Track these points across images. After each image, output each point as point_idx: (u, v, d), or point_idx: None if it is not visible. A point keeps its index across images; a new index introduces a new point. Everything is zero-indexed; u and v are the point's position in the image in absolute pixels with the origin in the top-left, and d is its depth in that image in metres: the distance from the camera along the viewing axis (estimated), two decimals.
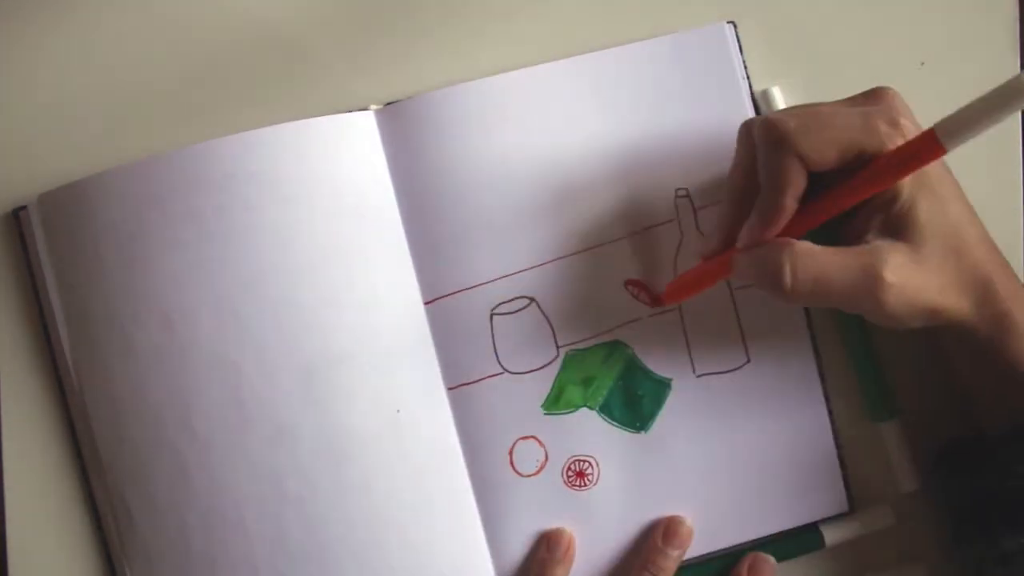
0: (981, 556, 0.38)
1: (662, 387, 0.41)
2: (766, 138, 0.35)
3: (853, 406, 0.42)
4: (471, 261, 0.41)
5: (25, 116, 0.42)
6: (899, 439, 0.42)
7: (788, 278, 0.34)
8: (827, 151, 0.34)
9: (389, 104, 0.42)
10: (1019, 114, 0.43)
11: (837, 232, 0.37)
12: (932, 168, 0.35)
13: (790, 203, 0.35)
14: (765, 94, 0.43)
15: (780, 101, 0.42)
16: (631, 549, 0.41)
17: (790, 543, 0.41)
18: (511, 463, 0.41)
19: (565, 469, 0.41)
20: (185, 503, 0.40)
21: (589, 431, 0.41)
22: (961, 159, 0.43)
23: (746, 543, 0.41)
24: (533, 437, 0.41)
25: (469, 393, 0.41)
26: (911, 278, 0.34)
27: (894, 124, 0.34)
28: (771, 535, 0.41)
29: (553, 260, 0.41)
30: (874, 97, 0.36)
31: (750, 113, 0.42)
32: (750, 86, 0.42)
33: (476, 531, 0.41)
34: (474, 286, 0.41)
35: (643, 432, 0.41)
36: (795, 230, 0.35)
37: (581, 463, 0.41)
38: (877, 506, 0.42)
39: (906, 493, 0.42)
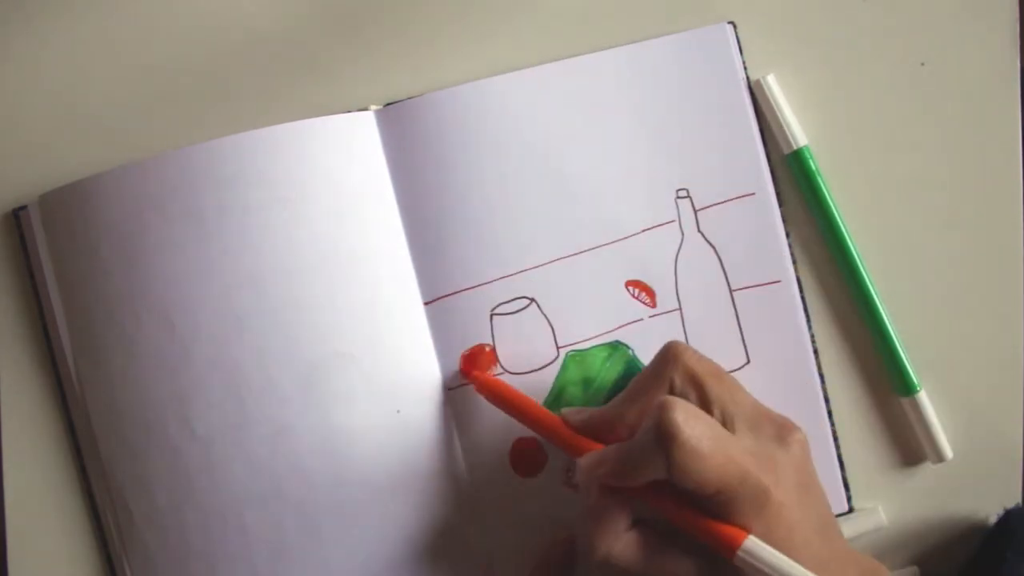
0: None
1: None
2: (654, 433, 0.32)
3: (883, 382, 0.43)
4: (471, 261, 0.41)
5: (25, 116, 0.42)
6: (929, 409, 0.42)
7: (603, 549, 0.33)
8: (700, 483, 0.32)
9: (389, 104, 0.42)
10: (1019, 113, 0.43)
11: None
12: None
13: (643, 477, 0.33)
14: (759, 84, 0.42)
15: (777, 91, 0.42)
16: None
17: None
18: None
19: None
20: (185, 503, 0.40)
21: None
22: (961, 157, 0.43)
23: None
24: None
25: (469, 393, 0.41)
26: None
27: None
28: None
29: (553, 260, 0.41)
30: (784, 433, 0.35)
31: (751, 113, 0.42)
32: (750, 86, 0.42)
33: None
34: (474, 286, 0.41)
35: None
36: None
37: None
38: (868, 507, 0.42)
39: (946, 460, 0.42)
